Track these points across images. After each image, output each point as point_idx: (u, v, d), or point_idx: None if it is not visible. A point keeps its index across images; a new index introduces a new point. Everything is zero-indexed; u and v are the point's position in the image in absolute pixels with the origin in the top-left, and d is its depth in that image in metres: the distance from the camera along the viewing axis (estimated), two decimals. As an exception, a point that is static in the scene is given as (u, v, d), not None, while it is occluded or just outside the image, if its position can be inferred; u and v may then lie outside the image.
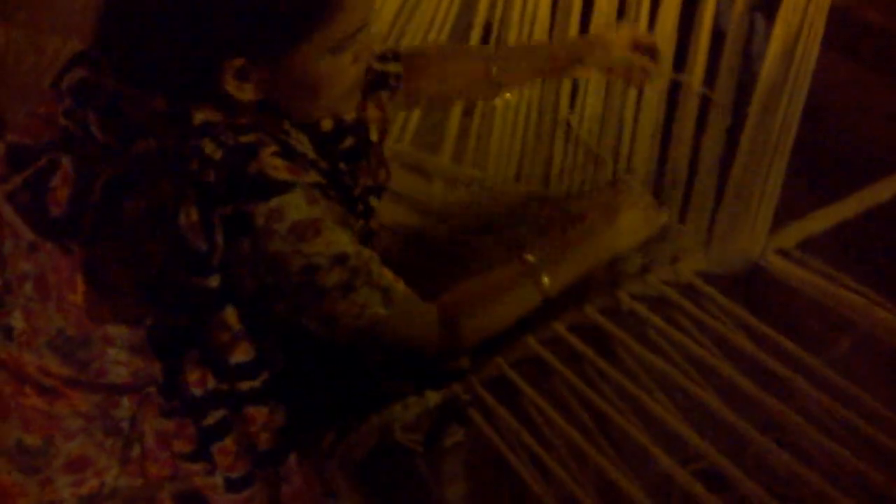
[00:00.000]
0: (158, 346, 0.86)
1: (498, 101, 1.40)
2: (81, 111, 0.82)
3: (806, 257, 1.13)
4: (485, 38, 1.44)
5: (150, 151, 0.79)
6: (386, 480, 1.03)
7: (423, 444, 0.99)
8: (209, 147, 0.79)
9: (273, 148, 0.82)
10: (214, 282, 0.82)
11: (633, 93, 1.34)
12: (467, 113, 1.40)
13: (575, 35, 1.39)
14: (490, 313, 0.97)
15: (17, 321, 0.88)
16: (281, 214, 0.80)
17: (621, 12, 1.37)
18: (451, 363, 1.04)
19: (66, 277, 0.84)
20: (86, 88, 0.83)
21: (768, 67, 1.22)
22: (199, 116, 0.81)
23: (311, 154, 0.90)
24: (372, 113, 1.03)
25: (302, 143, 0.89)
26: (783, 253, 1.15)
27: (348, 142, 0.97)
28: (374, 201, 1.01)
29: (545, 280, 0.97)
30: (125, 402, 0.90)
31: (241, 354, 0.87)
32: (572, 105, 1.38)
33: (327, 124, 0.94)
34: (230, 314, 0.85)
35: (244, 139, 0.81)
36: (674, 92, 1.31)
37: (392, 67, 1.09)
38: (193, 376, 0.87)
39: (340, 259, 0.84)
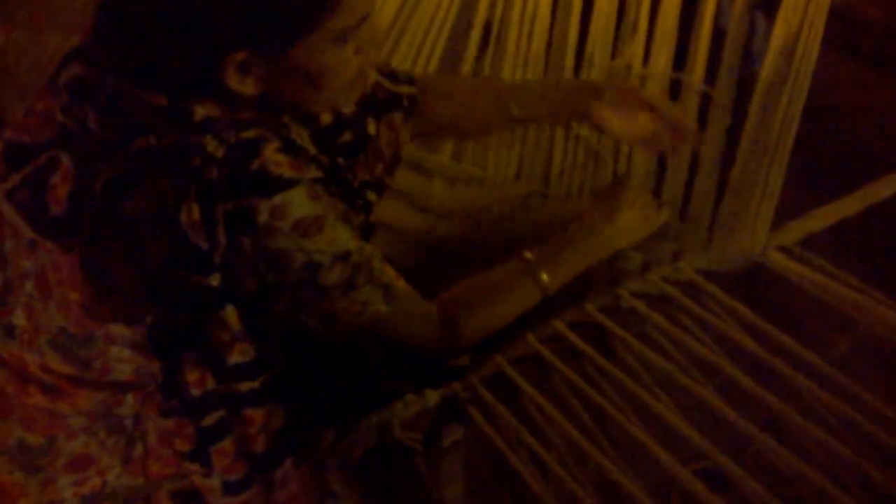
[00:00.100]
0: (158, 344, 0.86)
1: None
2: (79, 107, 0.82)
3: (807, 255, 1.14)
4: (485, 38, 1.44)
5: (150, 148, 0.79)
6: (385, 479, 1.03)
7: (422, 443, 0.99)
8: (211, 144, 0.79)
9: (276, 144, 0.81)
10: (215, 281, 0.82)
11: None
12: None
13: (596, 78, 1.35)
14: (490, 311, 0.97)
15: (19, 319, 0.87)
16: (284, 211, 0.80)
17: (621, 11, 1.37)
18: (451, 361, 1.04)
19: (67, 276, 0.84)
20: (83, 84, 0.83)
21: (769, 66, 1.22)
22: (200, 112, 0.80)
23: (312, 149, 0.89)
24: (383, 134, 1.03)
25: (302, 138, 0.89)
26: (784, 250, 1.15)
27: (346, 136, 0.97)
28: (371, 196, 1.01)
29: (544, 277, 0.97)
30: (129, 399, 0.90)
31: (240, 355, 0.87)
32: (573, 103, 1.38)
33: (326, 118, 0.94)
34: (230, 314, 0.85)
35: (246, 135, 0.81)
36: (674, 90, 1.31)
37: (406, 89, 1.08)
38: (192, 376, 0.87)
39: (342, 256, 0.84)
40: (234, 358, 0.87)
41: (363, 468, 0.99)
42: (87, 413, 0.90)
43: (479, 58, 1.41)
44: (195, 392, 0.87)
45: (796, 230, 1.17)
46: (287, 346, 0.92)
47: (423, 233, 1.31)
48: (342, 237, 0.84)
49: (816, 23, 1.21)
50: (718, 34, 1.31)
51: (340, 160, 0.95)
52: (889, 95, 1.65)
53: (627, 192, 1.06)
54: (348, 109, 0.97)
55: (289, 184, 0.80)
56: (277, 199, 0.79)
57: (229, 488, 0.92)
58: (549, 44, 1.40)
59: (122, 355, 0.87)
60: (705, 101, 1.28)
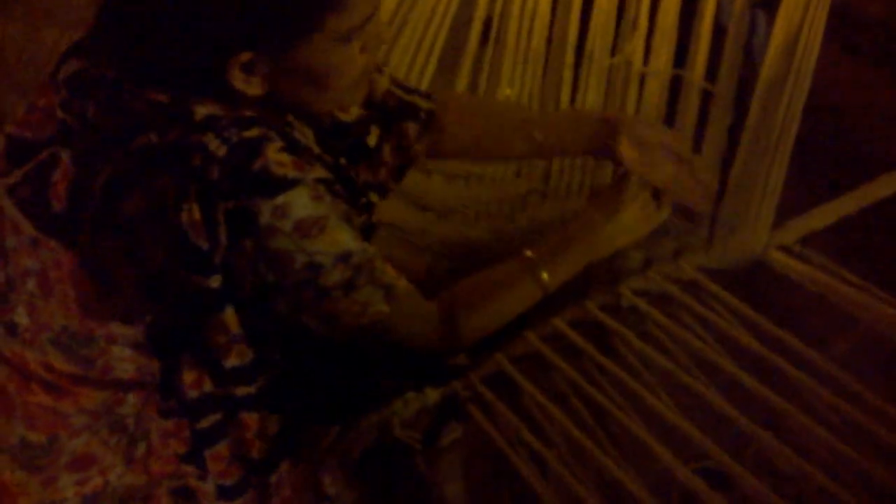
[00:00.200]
0: (156, 344, 0.85)
1: (499, 96, 1.39)
2: (79, 103, 0.81)
3: (808, 253, 1.14)
4: (485, 33, 1.44)
5: (151, 146, 0.79)
6: (385, 477, 1.03)
7: (422, 442, 0.99)
8: (213, 143, 0.78)
9: (279, 143, 0.81)
10: (215, 282, 0.81)
11: (634, 88, 1.34)
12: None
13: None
14: (490, 309, 0.97)
15: (21, 317, 0.87)
16: (285, 211, 0.79)
17: (622, 8, 1.37)
18: (451, 360, 1.04)
19: (68, 274, 0.83)
20: (83, 80, 0.82)
21: (770, 63, 1.22)
22: (202, 110, 0.80)
23: (316, 148, 0.89)
24: (388, 143, 1.02)
25: (307, 137, 0.88)
26: (785, 249, 1.16)
27: (350, 137, 0.96)
28: (374, 197, 1.01)
29: (544, 275, 0.97)
30: (130, 398, 0.89)
31: (238, 358, 0.86)
32: (573, 100, 1.38)
33: (330, 118, 0.93)
34: (229, 315, 0.84)
35: (248, 134, 0.80)
36: (675, 88, 1.31)
37: (423, 103, 1.07)
38: (189, 378, 0.86)
39: (344, 257, 0.83)
40: (232, 361, 0.86)
41: (363, 466, 0.99)
42: (90, 412, 0.89)
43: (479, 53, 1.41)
44: (192, 394, 0.86)
45: (797, 228, 1.17)
46: (286, 346, 0.92)
47: (422, 230, 1.31)
48: (344, 238, 0.83)
49: (817, 21, 1.21)
50: (719, 32, 1.31)
51: (343, 160, 0.94)
52: (889, 94, 1.65)
53: (628, 190, 1.05)
54: (354, 109, 0.96)
55: (291, 184, 0.79)
56: (279, 199, 0.79)
57: (224, 493, 0.90)
58: (550, 40, 1.40)
59: (123, 354, 0.86)
60: (706, 98, 1.28)
